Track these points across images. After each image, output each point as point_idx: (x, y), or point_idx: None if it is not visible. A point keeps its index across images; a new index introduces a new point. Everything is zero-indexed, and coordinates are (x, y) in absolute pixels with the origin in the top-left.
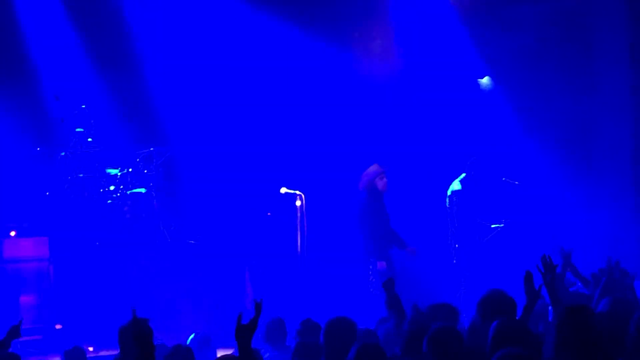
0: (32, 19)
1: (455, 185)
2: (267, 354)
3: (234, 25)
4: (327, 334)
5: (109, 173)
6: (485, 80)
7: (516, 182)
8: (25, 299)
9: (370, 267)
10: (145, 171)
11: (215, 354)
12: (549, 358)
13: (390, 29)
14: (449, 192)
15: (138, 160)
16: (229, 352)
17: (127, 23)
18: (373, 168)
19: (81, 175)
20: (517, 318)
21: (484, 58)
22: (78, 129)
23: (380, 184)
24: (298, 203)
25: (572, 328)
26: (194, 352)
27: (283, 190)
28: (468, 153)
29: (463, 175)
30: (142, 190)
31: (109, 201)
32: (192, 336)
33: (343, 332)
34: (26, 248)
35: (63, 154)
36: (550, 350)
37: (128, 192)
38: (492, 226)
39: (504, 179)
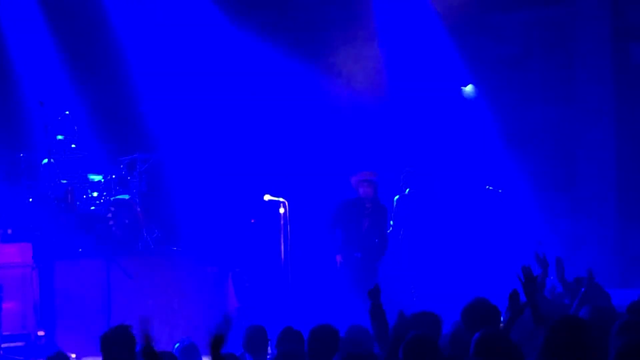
0: (13, 25)
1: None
2: None
3: (216, 32)
4: (310, 341)
5: (92, 179)
6: (468, 89)
7: (499, 190)
8: (8, 305)
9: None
10: (129, 177)
11: None
12: None
13: (375, 36)
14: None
15: (121, 166)
16: None
17: (111, 29)
18: (359, 173)
19: (64, 181)
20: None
21: (467, 66)
22: (59, 136)
23: (361, 190)
24: (281, 210)
25: (564, 342)
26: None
27: (267, 197)
28: (406, 164)
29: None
30: (126, 196)
31: (93, 207)
32: (177, 345)
33: (326, 339)
34: (10, 254)
35: (46, 160)
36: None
37: (111, 199)
38: (487, 187)
39: (487, 187)
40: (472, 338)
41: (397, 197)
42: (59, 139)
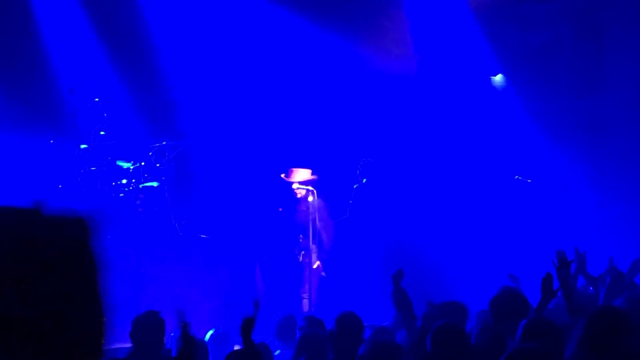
0: (46, 12)
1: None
2: (278, 351)
3: (247, 19)
4: (337, 329)
5: (121, 166)
6: (498, 78)
7: (529, 180)
8: None
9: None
10: (158, 165)
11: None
12: (570, 356)
13: (404, 26)
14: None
15: (151, 153)
16: None
17: (142, 15)
18: (304, 174)
19: (94, 168)
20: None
21: (497, 56)
22: (89, 123)
23: (298, 192)
24: (310, 198)
25: (605, 332)
26: (212, 347)
27: (295, 185)
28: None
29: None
30: (155, 184)
31: (121, 194)
32: (211, 332)
33: (352, 328)
34: None
35: (85, 146)
36: (572, 347)
37: (140, 186)
38: (516, 177)
39: (516, 176)
40: (520, 323)
41: (355, 186)
42: (89, 126)
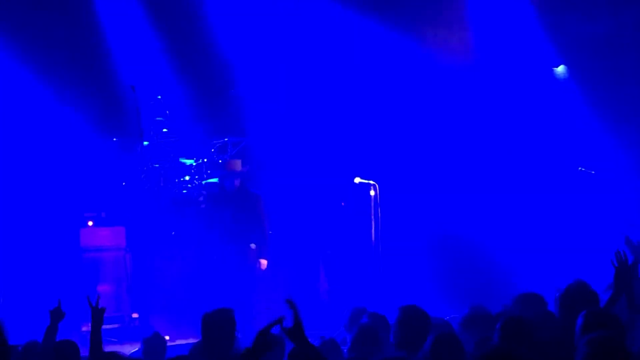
0: (108, 10)
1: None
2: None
3: (308, 17)
4: (400, 322)
5: (184, 163)
6: (560, 69)
7: (592, 172)
8: (103, 288)
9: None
10: (220, 161)
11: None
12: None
13: (465, 17)
14: None
15: (213, 150)
16: None
17: (204, 13)
18: (237, 165)
19: (157, 165)
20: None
21: (558, 46)
22: (152, 120)
23: (236, 182)
24: (372, 193)
25: None
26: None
27: (357, 180)
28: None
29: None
30: (217, 180)
31: (184, 191)
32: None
33: (416, 321)
34: (103, 238)
35: (147, 143)
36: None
37: (203, 182)
38: (580, 169)
39: (580, 168)
40: (573, 318)
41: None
42: (151, 123)
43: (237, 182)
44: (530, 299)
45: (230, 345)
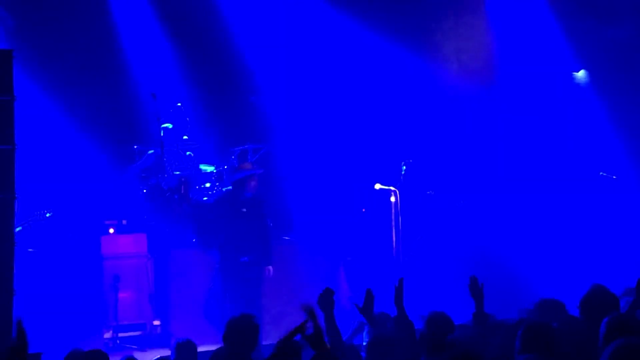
0: (127, 19)
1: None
2: None
3: (324, 22)
4: (427, 326)
5: (204, 170)
6: (581, 74)
7: (614, 177)
8: (124, 295)
9: None
10: (226, 167)
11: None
12: None
13: (484, 22)
14: None
15: (233, 157)
16: None
17: (222, 20)
18: (246, 167)
19: (177, 172)
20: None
21: (578, 50)
22: (171, 127)
23: (251, 184)
24: (392, 199)
25: None
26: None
27: (377, 186)
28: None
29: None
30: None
31: (205, 198)
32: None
33: (441, 325)
34: (125, 245)
35: (152, 151)
36: None
37: (223, 189)
38: (601, 174)
39: (601, 173)
40: (604, 319)
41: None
42: (171, 131)
43: (253, 184)
44: (551, 305)
45: (251, 352)
